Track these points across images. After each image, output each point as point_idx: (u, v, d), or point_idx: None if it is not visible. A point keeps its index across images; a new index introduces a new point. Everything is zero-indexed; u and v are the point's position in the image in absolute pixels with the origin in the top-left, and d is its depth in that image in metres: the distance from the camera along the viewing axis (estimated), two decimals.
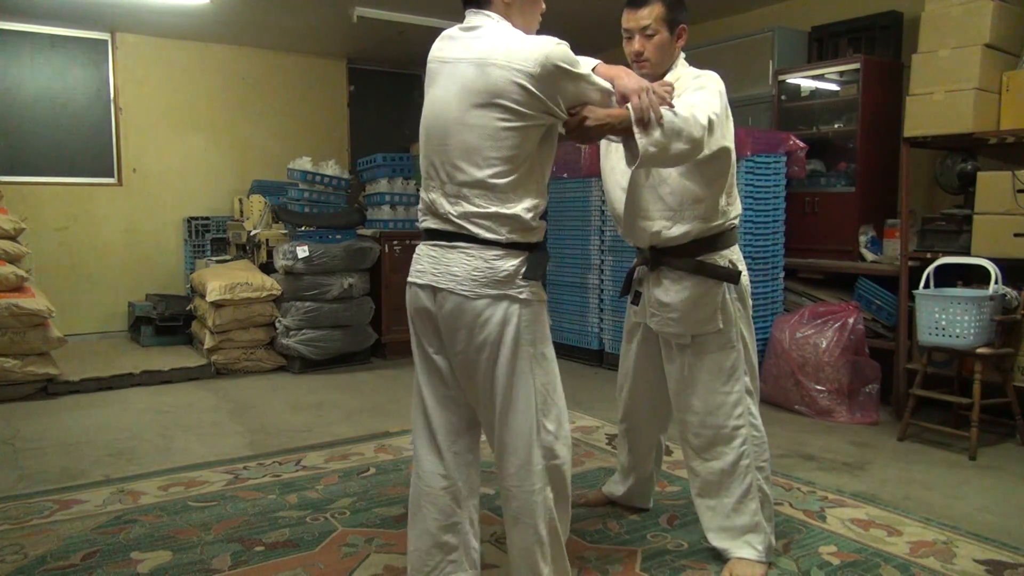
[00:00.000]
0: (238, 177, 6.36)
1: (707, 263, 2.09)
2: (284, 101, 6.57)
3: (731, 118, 2.01)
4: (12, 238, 4.28)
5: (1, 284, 4.08)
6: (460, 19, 1.80)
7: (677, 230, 2.06)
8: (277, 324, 4.92)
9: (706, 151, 1.85)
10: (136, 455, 3.25)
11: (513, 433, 1.75)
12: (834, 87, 4.45)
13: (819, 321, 3.83)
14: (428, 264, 1.76)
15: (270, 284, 4.88)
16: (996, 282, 3.26)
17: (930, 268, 3.48)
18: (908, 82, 3.85)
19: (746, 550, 2.13)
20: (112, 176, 5.96)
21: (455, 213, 1.71)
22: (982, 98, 3.53)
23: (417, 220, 1.88)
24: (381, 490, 2.82)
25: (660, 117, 1.70)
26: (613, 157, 2.19)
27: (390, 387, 4.56)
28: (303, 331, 4.87)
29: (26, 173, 5.63)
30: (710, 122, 1.83)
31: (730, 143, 1.98)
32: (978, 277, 3.45)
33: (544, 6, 1.85)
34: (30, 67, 5.62)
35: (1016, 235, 3.34)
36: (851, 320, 3.76)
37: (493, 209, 1.68)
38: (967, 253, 3.52)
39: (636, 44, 2.06)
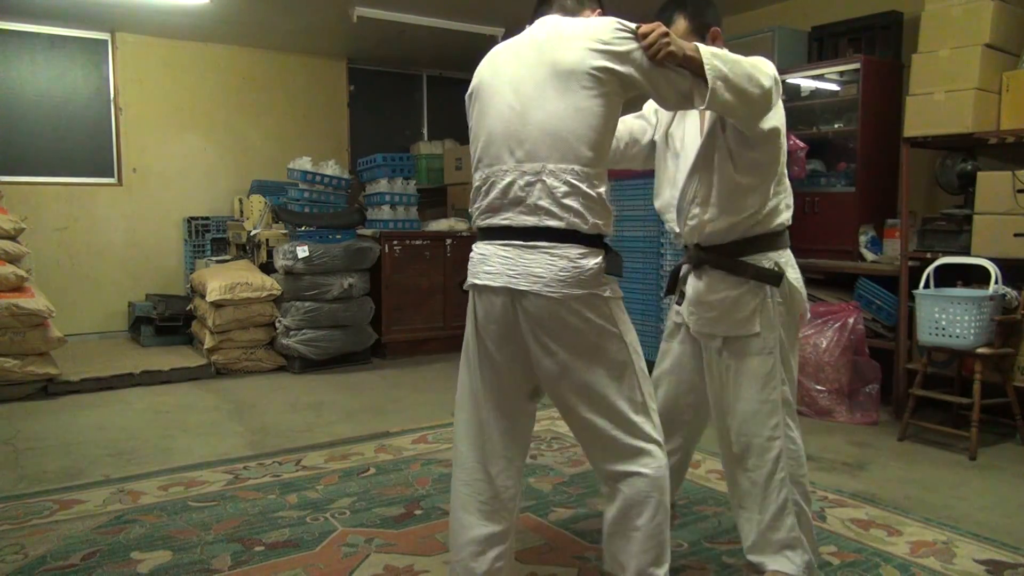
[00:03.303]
0: (238, 177, 6.36)
1: (749, 263, 2.00)
2: (284, 101, 6.57)
3: (781, 104, 1.94)
4: (12, 238, 4.28)
5: (1, 284, 4.08)
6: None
7: (723, 223, 1.98)
8: (277, 324, 4.92)
9: (768, 118, 1.81)
10: (136, 455, 3.25)
11: (629, 429, 1.73)
12: (834, 87, 4.45)
13: (819, 321, 3.82)
14: (501, 264, 1.68)
15: (270, 284, 4.88)
16: (996, 282, 3.26)
17: (930, 268, 3.48)
18: (908, 82, 3.85)
19: (785, 564, 2.03)
20: (112, 176, 5.97)
21: (536, 196, 1.64)
22: (982, 98, 3.53)
23: (472, 220, 1.80)
24: (381, 490, 2.82)
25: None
26: (662, 156, 2.14)
27: (390, 387, 4.56)
28: (303, 331, 4.87)
29: (26, 173, 5.64)
30: (775, 81, 1.80)
31: (782, 125, 1.93)
32: (978, 277, 3.45)
33: None
34: (30, 67, 5.62)
35: (1016, 235, 3.34)
36: (851, 320, 3.76)
37: (584, 187, 1.64)
38: (967, 253, 3.52)
39: None
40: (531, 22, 1.83)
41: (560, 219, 1.64)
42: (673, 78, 1.70)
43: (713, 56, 1.69)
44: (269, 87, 6.49)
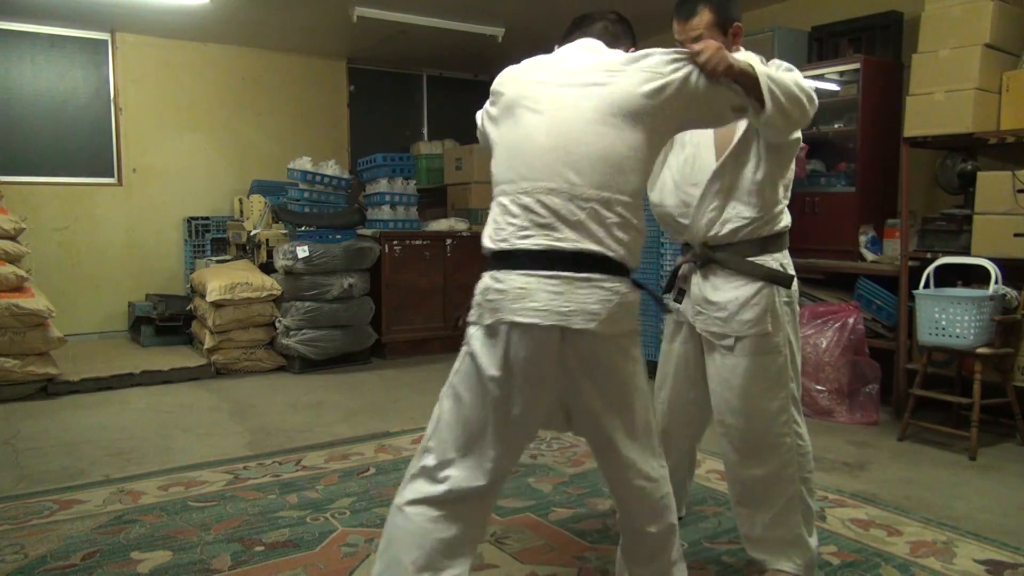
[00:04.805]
0: (238, 177, 6.36)
1: (759, 264, 2.01)
2: (284, 101, 6.56)
3: None
4: (12, 238, 4.28)
5: (1, 284, 4.08)
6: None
7: (735, 222, 1.99)
8: (277, 324, 4.92)
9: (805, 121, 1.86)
10: (136, 455, 3.25)
11: (645, 460, 1.72)
12: (834, 87, 4.45)
13: (819, 321, 3.82)
14: (549, 300, 1.53)
15: (270, 284, 4.88)
16: (996, 282, 3.26)
17: (930, 268, 3.48)
18: (908, 82, 3.85)
19: (785, 563, 2.04)
20: (112, 176, 5.96)
21: (589, 221, 1.55)
22: (982, 98, 3.53)
23: (497, 237, 1.62)
24: (381, 490, 2.82)
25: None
26: (670, 153, 2.14)
27: (390, 387, 4.56)
28: (303, 331, 4.87)
29: (26, 173, 5.63)
30: (812, 99, 1.83)
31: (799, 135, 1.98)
32: (978, 277, 3.45)
33: None
34: (30, 67, 5.62)
35: (1016, 235, 3.34)
36: (851, 320, 3.76)
37: (634, 221, 1.61)
38: (967, 253, 3.52)
39: None
40: (565, 41, 1.79)
41: (613, 251, 1.57)
42: (728, 95, 1.70)
43: (766, 73, 1.70)
44: (269, 87, 6.49)
